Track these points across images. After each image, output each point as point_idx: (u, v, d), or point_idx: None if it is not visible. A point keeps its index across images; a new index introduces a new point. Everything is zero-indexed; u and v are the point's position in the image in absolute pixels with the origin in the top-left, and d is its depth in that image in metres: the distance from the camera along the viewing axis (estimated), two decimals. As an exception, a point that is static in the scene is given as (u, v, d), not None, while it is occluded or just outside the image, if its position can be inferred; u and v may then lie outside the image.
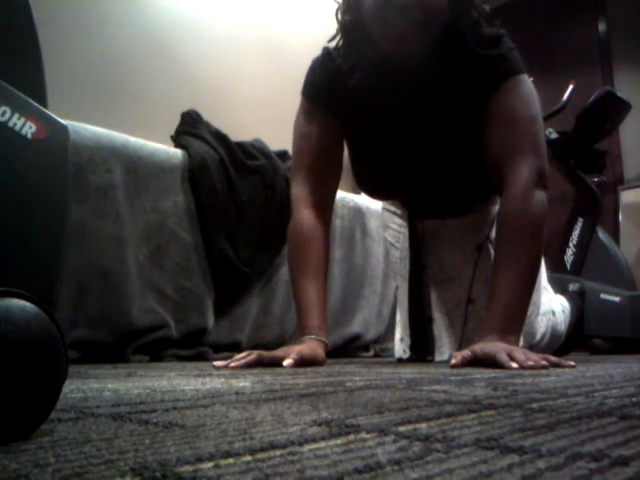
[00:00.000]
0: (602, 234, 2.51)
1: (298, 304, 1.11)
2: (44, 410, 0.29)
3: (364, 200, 2.06)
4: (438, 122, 1.13)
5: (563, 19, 3.39)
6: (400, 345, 1.36)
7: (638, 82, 3.10)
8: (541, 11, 3.47)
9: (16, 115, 1.06)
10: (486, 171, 1.12)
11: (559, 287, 1.69)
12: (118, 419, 0.34)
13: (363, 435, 0.28)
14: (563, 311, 1.53)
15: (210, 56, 2.51)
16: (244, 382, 0.61)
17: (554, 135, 2.47)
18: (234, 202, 1.69)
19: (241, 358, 0.93)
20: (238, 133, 1.84)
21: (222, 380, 0.65)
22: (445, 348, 1.24)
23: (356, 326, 1.99)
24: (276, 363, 0.92)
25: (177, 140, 1.76)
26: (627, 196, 3.04)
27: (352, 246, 2.04)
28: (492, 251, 1.21)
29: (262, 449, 0.24)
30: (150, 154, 1.56)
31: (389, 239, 1.45)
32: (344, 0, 1.11)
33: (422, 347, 1.27)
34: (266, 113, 2.54)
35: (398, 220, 1.40)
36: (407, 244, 1.32)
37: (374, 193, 1.31)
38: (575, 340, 1.62)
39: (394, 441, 0.26)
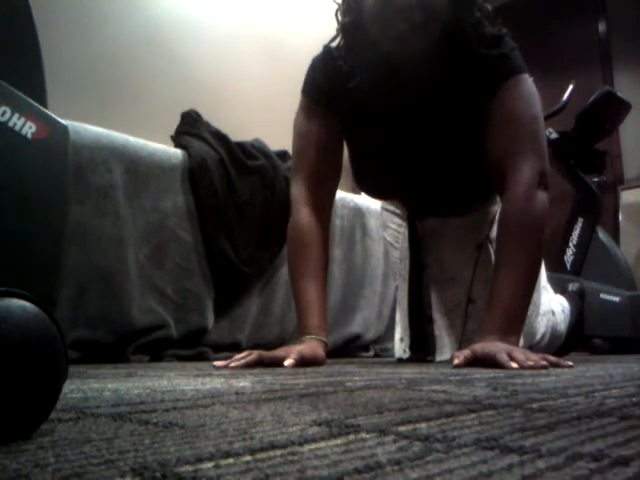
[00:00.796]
0: (602, 234, 2.51)
1: (298, 304, 1.11)
2: (44, 410, 0.29)
3: (364, 200, 2.06)
4: (439, 122, 1.13)
5: (563, 19, 3.39)
6: (400, 345, 1.36)
7: (638, 82, 3.10)
8: (541, 11, 3.47)
9: (16, 115, 1.06)
10: (487, 171, 1.12)
11: (559, 287, 1.69)
12: (118, 419, 0.34)
13: (363, 435, 0.28)
14: (563, 311, 1.53)
15: (210, 56, 2.51)
16: (244, 382, 0.61)
17: (554, 135, 2.47)
18: (234, 202, 1.69)
19: (241, 358, 0.93)
20: (238, 133, 1.84)
21: (222, 380, 0.65)
22: (446, 348, 1.24)
23: (356, 326, 1.99)
24: (276, 363, 0.92)
25: (177, 140, 1.76)
26: (627, 196, 3.04)
27: (352, 246, 2.04)
28: (492, 251, 1.21)
29: (262, 449, 0.24)
30: (150, 154, 1.56)
31: (388, 239, 1.44)
32: (344, 1, 1.10)
33: (422, 347, 1.26)
34: (266, 113, 2.54)
35: (397, 220, 1.40)
36: (406, 244, 1.32)
37: (374, 193, 1.31)
38: (575, 340, 1.62)
39: (394, 441, 0.26)
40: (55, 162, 1.14)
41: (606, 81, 3.14)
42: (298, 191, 1.18)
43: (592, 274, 2.28)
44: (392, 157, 1.18)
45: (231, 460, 0.22)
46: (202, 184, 1.63)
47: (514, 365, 0.82)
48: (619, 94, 2.44)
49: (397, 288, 1.41)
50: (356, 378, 0.66)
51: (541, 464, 0.21)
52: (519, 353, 0.86)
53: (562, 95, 2.44)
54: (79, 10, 2.05)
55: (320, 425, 0.31)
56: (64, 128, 1.17)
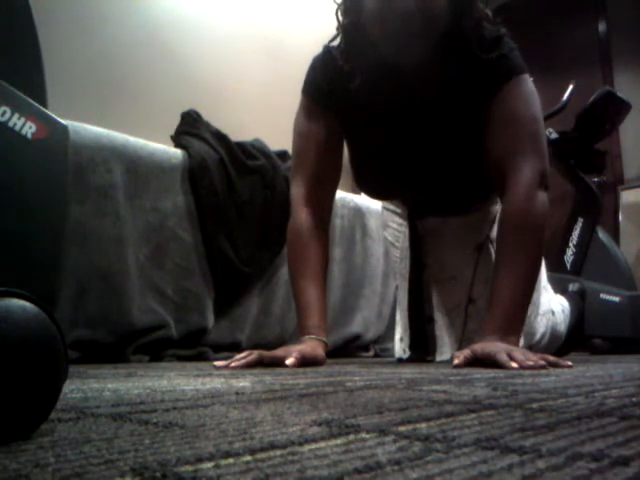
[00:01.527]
0: (602, 234, 2.51)
1: (298, 304, 1.11)
2: (44, 410, 0.29)
3: (364, 200, 2.06)
4: (439, 122, 1.13)
5: (563, 19, 3.39)
6: (400, 345, 1.36)
7: (638, 82, 3.10)
8: (541, 11, 3.47)
9: (16, 115, 1.06)
10: (487, 171, 1.12)
11: (559, 287, 1.69)
12: (118, 419, 0.34)
13: (363, 435, 0.28)
14: (563, 311, 1.53)
15: (210, 56, 2.51)
16: (244, 382, 0.61)
17: (554, 135, 2.47)
18: (234, 202, 1.69)
19: (241, 358, 0.93)
20: (238, 133, 1.84)
21: (222, 380, 0.65)
22: (446, 348, 1.24)
23: (356, 326, 1.99)
24: (277, 363, 0.92)
25: (177, 140, 1.76)
26: (627, 196, 3.04)
27: (352, 246, 2.04)
28: (493, 251, 1.21)
29: (262, 449, 0.24)
30: (150, 154, 1.56)
31: (389, 238, 1.44)
32: (343, 1, 1.10)
33: (422, 347, 1.26)
34: (266, 113, 2.54)
35: (398, 219, 1.40)
36: (407, 243, 1.32)
37: (374, 193, 1.31)
38: (575, 340, 1.61)
39: (394, 441, 0.26)
40: (55, 162, 1.14)
41: (606, 81, 3.14)
42: (298, 191, 1.18)
43: (592, 274, 2.28)
44: (392, 157, 1.18)
45: (231, 460, 0.22)
46: (202, 184, 1.63)
47: (514, 365, 0.82)
48: (619, 94, 2.44)
49: (397, 288, 1.41)
50: (356, 378, 0.66)
51: (541, 464, 0.21)
52: (519, 353, 0.86)
53: (562, 95, 2.44)
54: (79, 10, 2.05)
55: (320, 425, 0.31)
56: (64, 128, 1.17)
